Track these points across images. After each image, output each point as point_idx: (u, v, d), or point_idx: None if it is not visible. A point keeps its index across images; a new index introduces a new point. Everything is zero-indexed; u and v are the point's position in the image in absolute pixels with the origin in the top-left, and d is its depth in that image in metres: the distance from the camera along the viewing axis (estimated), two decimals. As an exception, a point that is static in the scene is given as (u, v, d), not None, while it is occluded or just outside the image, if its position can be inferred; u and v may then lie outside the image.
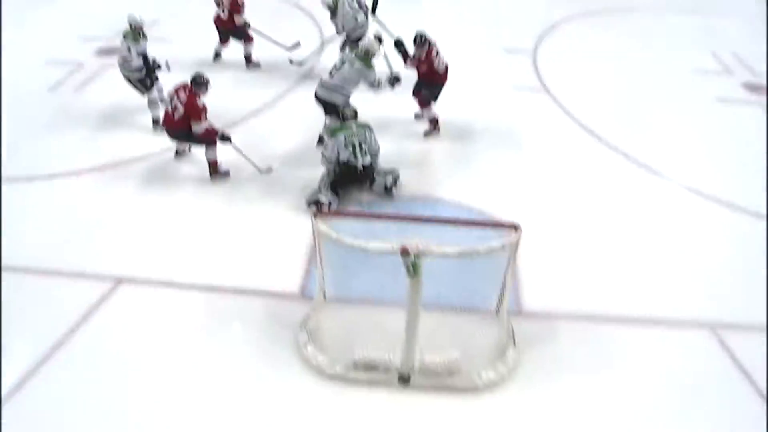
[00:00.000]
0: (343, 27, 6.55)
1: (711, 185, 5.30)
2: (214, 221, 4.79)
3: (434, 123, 5.84)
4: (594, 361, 3.70)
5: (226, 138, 5.09)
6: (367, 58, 5.18)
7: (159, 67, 5.87)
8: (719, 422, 3.41)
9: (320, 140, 5.14)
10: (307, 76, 6.95)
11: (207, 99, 5.04)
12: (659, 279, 4.32)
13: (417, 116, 6.08)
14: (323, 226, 3.34)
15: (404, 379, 3.49)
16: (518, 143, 5.89)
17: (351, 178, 4.90)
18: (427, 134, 5.87)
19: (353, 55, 5.18)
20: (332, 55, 6.54)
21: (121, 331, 3.83)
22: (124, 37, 5.72)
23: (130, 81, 5.83)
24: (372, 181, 4.96)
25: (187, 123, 4.97)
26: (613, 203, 5.10)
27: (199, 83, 4.95)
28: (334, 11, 6.53)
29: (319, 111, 5.49)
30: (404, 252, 3.03)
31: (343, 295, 3.84)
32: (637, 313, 4.04)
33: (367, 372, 3.52)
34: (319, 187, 4.86)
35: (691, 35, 8.48)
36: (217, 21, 6.97)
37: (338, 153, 4.73)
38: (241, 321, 3.92)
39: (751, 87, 7.10)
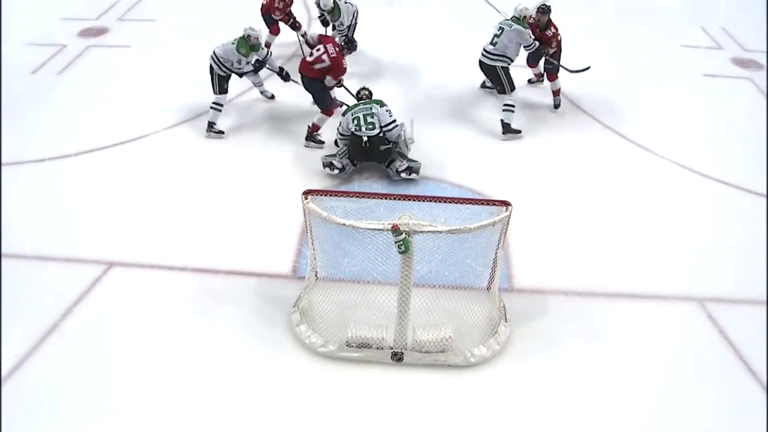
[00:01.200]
0: (345, 22, 6.41)
1: (700, 161, 5.31)
2: (205, 203, 4.76)
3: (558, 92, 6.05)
4: (584, 336, 3.75)
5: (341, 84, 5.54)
6: (521, 20, 5.44)
7: (287, 78, 5.80)
8: (706, 393, 3.47)
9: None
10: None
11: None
12: (648, 255, 4.36)
13: (531, 81, 6.46)
14: (313, 205, 3.33)
15: (397, 357, 3.52)
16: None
17: (364, 152, 5.00)
18: (557, 106, 6.04)
19: (509, 20, 5.43)
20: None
21: (115, 314, 3.83)
22: (237, 46, 5.30)
23: (212, 73, 5.46)
24: (389, 160, 5.05)
25: (323, 74, 5.26)
26: (602, 179, 5.11)
27: (349, 45, 5.42)
28: (337, 12, 6.32)
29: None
30: (395, 230, 3.04)
31: (334, 274, 3.84)
32: (626, 289, 4.08)
33: (360, 350, 3.54)
34: (337, 153, 5.06)
35: (680, 10, 8.42)
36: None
37: (349, 127, 4.98)
38: (234, 302, 3.92)
39: (740, 62, 7.10)
